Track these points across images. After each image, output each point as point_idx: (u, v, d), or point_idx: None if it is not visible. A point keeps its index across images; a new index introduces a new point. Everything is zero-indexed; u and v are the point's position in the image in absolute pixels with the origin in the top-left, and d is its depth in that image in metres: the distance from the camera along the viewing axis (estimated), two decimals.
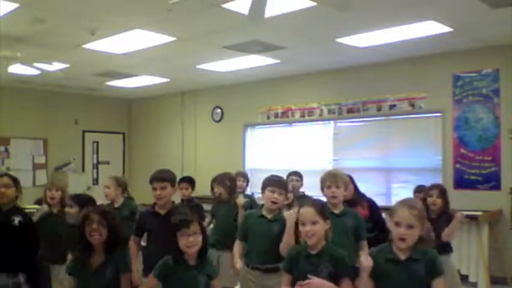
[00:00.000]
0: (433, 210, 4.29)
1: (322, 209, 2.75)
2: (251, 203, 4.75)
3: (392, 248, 2.53)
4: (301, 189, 5.34)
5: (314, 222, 2.66)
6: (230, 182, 4.63)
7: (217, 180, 4.66)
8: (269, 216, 3.36)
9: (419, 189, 5.00)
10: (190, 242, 2.71)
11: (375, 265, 2.52)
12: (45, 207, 4.30)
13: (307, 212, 2.71)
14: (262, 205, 3.49)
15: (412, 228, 2.47)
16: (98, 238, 2.92)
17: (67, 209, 3.88)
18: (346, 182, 3.46)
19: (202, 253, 2.78)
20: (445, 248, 4.26)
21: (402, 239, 2.48)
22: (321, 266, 2.62)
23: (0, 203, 3.67)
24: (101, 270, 2.92)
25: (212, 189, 4.73)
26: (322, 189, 3.43)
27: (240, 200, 4.38)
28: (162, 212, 3.43)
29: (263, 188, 3.41)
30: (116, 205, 4.56)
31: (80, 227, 2.95)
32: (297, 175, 5.32)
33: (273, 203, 3.34)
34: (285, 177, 5.03)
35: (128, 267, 3.04)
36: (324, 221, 2.69)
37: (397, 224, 2.50)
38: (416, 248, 2.52)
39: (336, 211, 3.32)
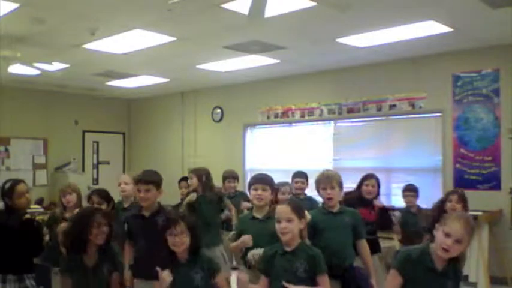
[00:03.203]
0: None
1: (297, 208, 2.82)
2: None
3: (432, 255, 2.50)
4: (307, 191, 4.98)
5: (289, 220, 2.74)
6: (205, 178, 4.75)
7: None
8: (260, 216, 3.34)
9: (409, 188, 5.03)
10: (176, 241, 2.79)
11: (412, 268, 2.49)
12: (57, 211, 4.19)
13: (283, 209, 2.79)
14: (252, 208, 3.51)
15: (460, 243, 2.45)
16: (102, 239, 2.92)
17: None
18: (341, 182, 3.47)
19: (192, 251, 2.84)
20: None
21: (446, 250, 2.45)
22: (297, 263, 2.70)
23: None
24: (98, 269, 2.93)
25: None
26: (317, 190, 3.50)
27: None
28: (147, 214, 3.40)
29: (249, 189, 3.42)
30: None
31: (81, 227, 2.94)
32: (301, 177, 4.96)
33: (259, 199, 3.34)
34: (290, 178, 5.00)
35: (120, 266, 3.08)
36: (299, 220, 2.76)
37: (447, 234, 2.45)
38: (449, 263, 2.49)
39: (334, 210, 3.42)
